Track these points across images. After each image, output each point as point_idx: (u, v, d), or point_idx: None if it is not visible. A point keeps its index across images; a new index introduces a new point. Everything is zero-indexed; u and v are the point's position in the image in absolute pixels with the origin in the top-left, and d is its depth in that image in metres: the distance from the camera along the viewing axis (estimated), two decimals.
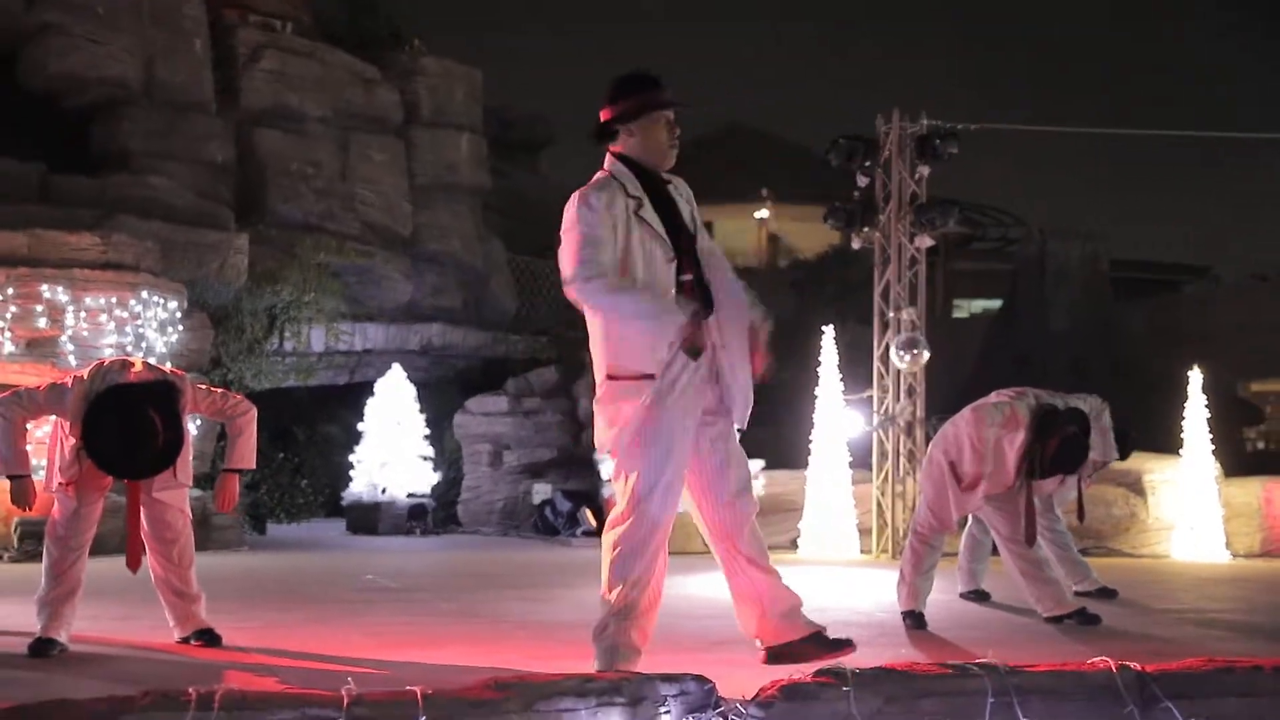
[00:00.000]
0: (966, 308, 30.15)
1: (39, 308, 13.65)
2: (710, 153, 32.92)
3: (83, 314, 13.72)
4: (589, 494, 16.79)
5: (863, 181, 13.72)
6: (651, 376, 4.68)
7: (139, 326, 14.03)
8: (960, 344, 20.87)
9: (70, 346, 13.56)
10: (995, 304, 26.03)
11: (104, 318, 13.82)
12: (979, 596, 8.64)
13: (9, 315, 13.60)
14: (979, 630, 6.71)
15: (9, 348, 13.59)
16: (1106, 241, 22.64)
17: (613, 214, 4.63)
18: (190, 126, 17.70)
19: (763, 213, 32.15)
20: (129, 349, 13.65)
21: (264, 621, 6.91)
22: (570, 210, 4.66)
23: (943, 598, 9.01)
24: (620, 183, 4.71)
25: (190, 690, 3.59)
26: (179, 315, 14.75)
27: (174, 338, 14.61)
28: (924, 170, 13.56)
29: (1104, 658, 4.11)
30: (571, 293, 4.68)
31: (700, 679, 3.96)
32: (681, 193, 4.92)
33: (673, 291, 4.73)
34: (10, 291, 13.57)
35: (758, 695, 3.93)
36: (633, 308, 4.65)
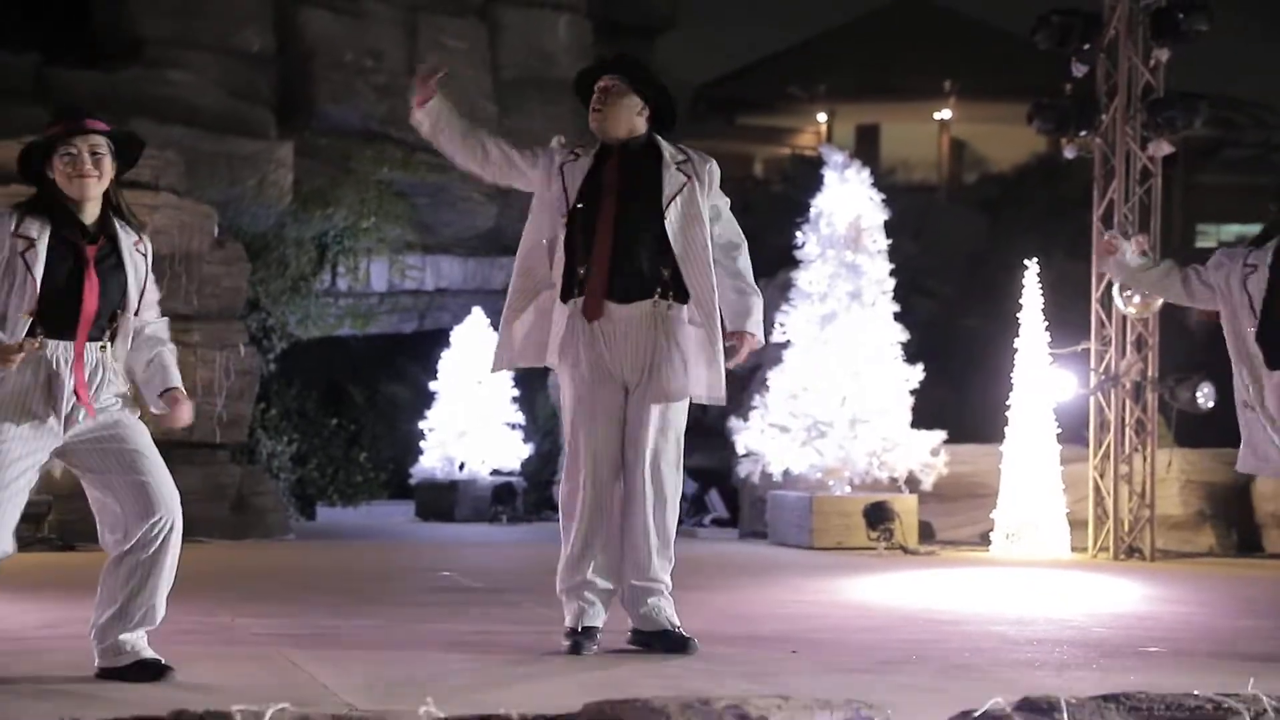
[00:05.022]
0: (1214, 234, 29.56)
1: None
2: (877, 35, 32.59)
3: None
4: (719, 472, 16.79)
5: (1079, 71, 13.49)
6: None
7: None
8: None
9: None
10: (1253, 229, 25.48)
11: None
12: None
13: None
14: (1242, 651, 6.62)
15: None
16: None
17: (548, 159, 6.96)
18: (219, 6, 17.92)
19: (945, 113, 31.79)
20: None
21: (316, 629, 7.05)
22: None
23: (1198, 611, 8.90)
24: (567, 146, 7.11)
25: (234, 710, 3.69)
26: (207, 246, 15.01)
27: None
28: (1162, 54, 13.27)
29: None
30: None
31: (868, 706, 3.98)
32: (689, 168, 6.66)
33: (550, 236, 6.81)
34: None
35: None
36: None
